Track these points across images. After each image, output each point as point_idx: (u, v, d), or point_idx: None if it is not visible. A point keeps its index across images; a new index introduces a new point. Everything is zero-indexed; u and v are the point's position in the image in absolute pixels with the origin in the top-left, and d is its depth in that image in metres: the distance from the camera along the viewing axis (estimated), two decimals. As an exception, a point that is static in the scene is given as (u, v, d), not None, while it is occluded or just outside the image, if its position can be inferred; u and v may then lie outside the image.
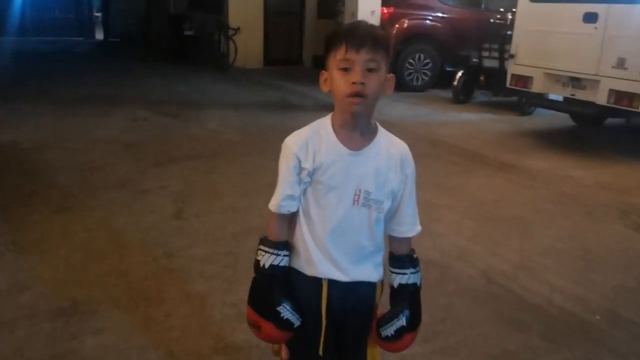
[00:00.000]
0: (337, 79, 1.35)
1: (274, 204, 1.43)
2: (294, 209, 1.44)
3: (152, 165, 4.77)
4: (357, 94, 1.32)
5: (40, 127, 6.00)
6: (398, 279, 1.48)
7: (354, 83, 1.31)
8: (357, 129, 1.40)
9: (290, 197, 1.42)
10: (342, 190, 1.39)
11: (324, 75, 1.40)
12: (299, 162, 1.39)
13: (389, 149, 1.43)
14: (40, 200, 3.90)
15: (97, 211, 3.75)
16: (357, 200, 1.40)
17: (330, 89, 1.38)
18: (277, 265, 1.43)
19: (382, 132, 1.45)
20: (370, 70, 1.32)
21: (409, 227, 1.49)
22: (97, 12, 20.52)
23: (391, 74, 1.41)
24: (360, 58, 1.31)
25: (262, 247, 1.46)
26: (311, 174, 1.40)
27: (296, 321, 1.44)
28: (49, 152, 5.06)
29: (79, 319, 2.51)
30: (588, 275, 3.11)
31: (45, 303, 2.62)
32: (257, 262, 1.46)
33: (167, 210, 3.80)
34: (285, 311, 1.42)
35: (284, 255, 1.44)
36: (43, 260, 3.04)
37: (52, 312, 2.55)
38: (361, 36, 1.32)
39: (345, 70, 1.33)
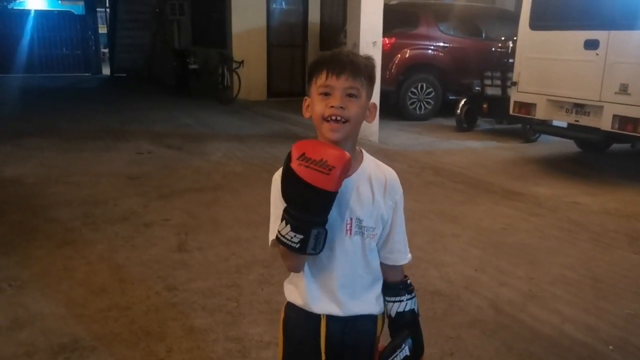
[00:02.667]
0: (316, 103, 1.35)
1: (270, 242, 1.38)
2: None
3: (155, 198, 4.76)
4: (335, 119, 1.31)
5: (45, 162, 6.02)
6: (395, 308, 1.45)
7: (332, 107, 1.31)
8: None
9: None
10: (332, 220, 1.33)
11: (306, 101, 1.41)
12: None
13: (376, 175, 1.41)
14: (43, 235, 3.88)
15: (100, 245, 3.72)
16: (349, 230, 1.37)
17: (311, 115, 1.38)
18: None
19: (368, 158, 1.43)
20: (350, 95, 1.32)
21: (402, 254, 1.47)
22: (104, 48, 20.87)
23: (373, 102, 1.40)
24: (340, 84, 1.32)
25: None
26: None
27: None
28: (53, 186, 5.06)
29: (79, 355, 2.47)
30: (599, 304, 3.04)
31: (45, 339, 2.58)
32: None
33: (169, 243, 3.77)
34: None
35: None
36: (44, 295, 3.00)
37: (52, 348, 2.51)
38: (342, 62, 1.33)
39: (326, 95, 1.33)
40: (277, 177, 1.37)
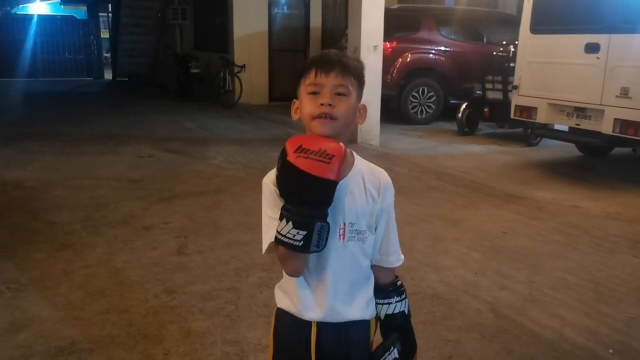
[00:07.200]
0: (305, 103, 1.33)
1: (265, 249, 1.36)
2: None
3: (156, 202, 4.76)
4: (324, 115, 1.29)
5: (46, 165, 6.03)
6: (384, 310, 1.44)
7: (322, 104, 1.30)
8: None
9: None
10: None
11: (295, 104, 1.38)
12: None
13: (369, 177, 1.38)
14: (43, 238, 3.88)
15: (99, 248, 3.72)
16: (343, 235, 1.34)
17: (300, 117, 1.36)
18: None
19: (359, 160, 1.40)
20: (339, 94, 1.31)
21: (396, 256, 1.45)
22: (107, 52, 20.95)
23: (363, 104, 1.39)
24: (329, 82, 1.30)
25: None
26: None
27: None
28: (55, 190, 5.06)
29: (76, 358, 2.46)
30: (599, 308, 3.03)
31: (43, 342, 2.57)
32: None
33: (169, 247, 3.77)
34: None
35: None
36: (42, 298, 3.00)
37: (49, 351, 2.50)
38: (330, 61, 1.32)
39: (314, 94, 1.32)
40: (268, 181, 1.35)
